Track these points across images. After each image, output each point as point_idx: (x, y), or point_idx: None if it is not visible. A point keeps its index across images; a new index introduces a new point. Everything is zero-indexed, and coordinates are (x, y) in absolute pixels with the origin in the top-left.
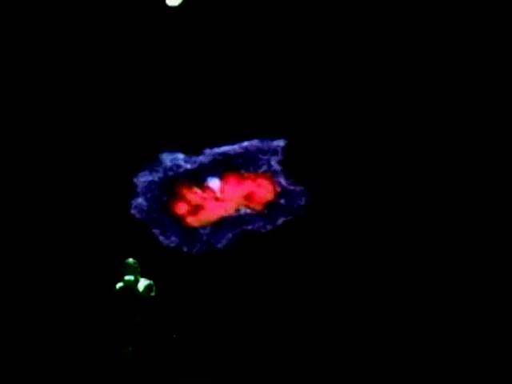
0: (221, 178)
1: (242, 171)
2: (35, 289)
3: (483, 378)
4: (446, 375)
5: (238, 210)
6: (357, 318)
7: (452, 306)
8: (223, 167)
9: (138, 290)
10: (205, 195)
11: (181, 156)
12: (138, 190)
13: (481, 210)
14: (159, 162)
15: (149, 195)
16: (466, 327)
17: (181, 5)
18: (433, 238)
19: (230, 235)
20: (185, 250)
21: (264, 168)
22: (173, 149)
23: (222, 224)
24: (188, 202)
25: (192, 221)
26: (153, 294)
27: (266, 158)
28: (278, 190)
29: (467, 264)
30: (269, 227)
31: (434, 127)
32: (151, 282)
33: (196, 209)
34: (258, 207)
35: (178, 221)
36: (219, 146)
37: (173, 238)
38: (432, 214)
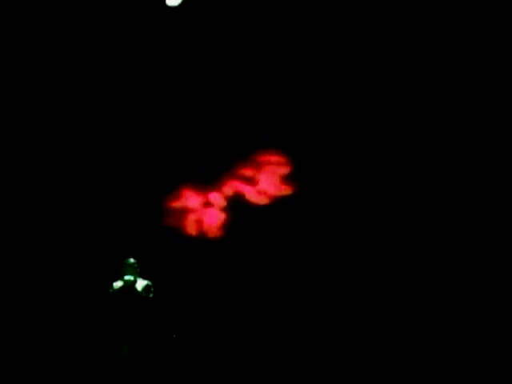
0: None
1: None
2: (35, 289)
3: (483, 378)
4: (445, 375)
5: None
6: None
7: (453, 307)
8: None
9: (137, 289)
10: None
11: None
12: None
13: (481, 210)
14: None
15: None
16: (466, 328)
17: (181, 5)
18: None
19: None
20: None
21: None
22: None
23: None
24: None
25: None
26: (152, 294)
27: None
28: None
29: (468, 265)
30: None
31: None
32: (150, 282)
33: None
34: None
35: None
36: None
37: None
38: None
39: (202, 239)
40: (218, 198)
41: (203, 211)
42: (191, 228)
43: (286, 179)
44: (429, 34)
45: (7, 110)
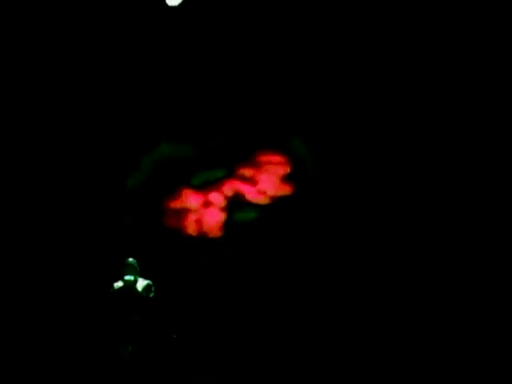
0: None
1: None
2: (35, 289)
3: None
4: (445, 375)
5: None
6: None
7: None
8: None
9: (137, 289)
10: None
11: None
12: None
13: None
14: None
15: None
16: (466, 327)
17: (181, 5)
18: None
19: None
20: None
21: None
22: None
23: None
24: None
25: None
26: (152, 294)
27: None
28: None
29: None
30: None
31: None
32: (150, 282)
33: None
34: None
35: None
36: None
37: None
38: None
39: (201, 239)
40: (217, 198)
41: (203, 211)
42: (191, 228)
43: (286, 179)
44: (429, 34)
45: (6, 110)
